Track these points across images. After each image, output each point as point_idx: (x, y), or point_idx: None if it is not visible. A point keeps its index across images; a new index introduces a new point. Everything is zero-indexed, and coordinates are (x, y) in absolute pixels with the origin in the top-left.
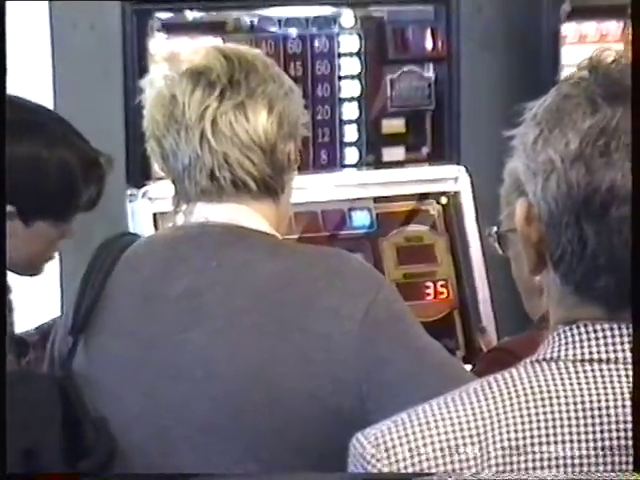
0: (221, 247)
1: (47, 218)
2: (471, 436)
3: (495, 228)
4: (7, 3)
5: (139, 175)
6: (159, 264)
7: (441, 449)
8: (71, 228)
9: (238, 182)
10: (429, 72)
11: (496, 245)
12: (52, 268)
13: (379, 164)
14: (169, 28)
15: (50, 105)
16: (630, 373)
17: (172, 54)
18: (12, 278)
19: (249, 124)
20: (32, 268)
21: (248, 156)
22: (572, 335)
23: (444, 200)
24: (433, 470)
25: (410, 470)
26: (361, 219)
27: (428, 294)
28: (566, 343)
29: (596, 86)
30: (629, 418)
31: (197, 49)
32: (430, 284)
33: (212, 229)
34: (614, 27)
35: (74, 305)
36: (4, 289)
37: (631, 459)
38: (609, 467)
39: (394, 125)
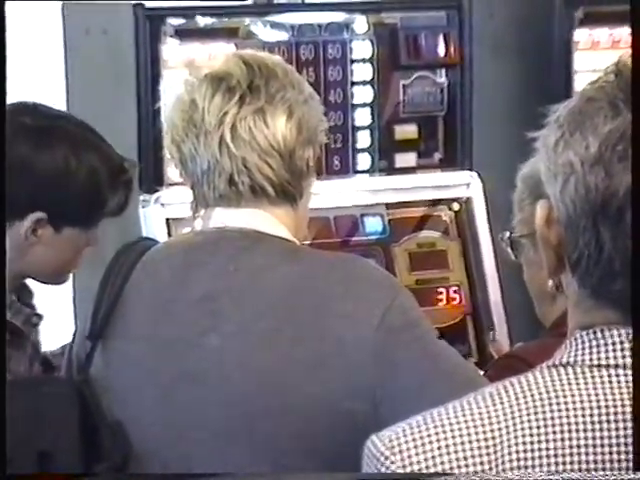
0: (239, 252)
1: (76, 224)
2: (486, 439)
3: (508, 233)
4: (20, 10)
5: (152, 181)
6: (177, 269)
7: (455, 452)
8: (96, 234)
9: (256, 187)
10: (441, 78)
11: (509, 250)
12: None
13: (391, 170)
14: (181, 34)
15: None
16: None
17: (192, 60)
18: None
19: (268, 130)
20: (59, 276)
21: (267, 161)
22: (589, 340)
23: (456, 206)
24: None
25: (424, 472)
26: (373, 225)
27: (440, 300)
28: (582, 348)
29: (619, 90)
30: None
31: (217, 55)
32: (442, 290)
33: (230, 234)
34: (626, 33)
35: (92, 310)
36: (4, 291)
37: None
38: (624, 472)
39: (406, 131)
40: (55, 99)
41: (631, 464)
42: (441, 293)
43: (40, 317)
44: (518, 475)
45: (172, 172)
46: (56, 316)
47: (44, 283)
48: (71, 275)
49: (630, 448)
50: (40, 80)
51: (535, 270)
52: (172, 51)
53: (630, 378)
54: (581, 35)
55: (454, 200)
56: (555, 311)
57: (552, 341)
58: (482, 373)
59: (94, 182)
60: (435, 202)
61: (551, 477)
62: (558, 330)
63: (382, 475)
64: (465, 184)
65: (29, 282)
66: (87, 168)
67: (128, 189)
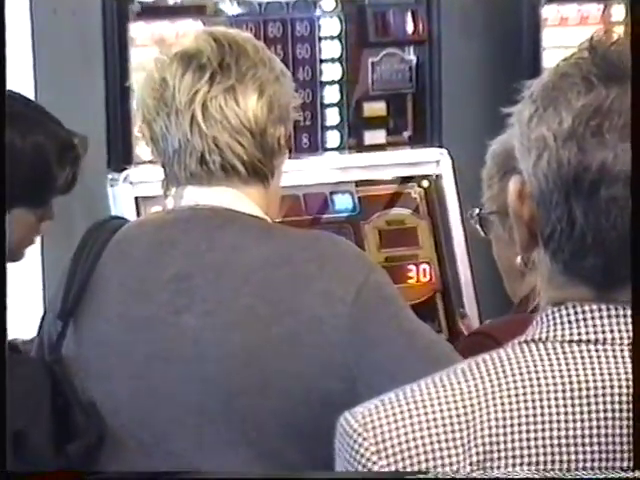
0: (211, 230)
1: (24, 204)
2: (458, 415)
3: (477, 210)
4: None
5: (120, 159)
6: (149, 247)
7: (428, 428)
8: (50, 210)
9: (227, 166)
10: (410, 55)
11: (478, 227)
12: (34, 253)
13: (361, 147)
14: (149, 12)
15: (31, 91)
16: (618, 354)
17: (162, 38)
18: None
19: (239, 108)
20: (13, 254)
21: (238, 140)
22: (560, 316)
23: (426, 183)
24: (420, 449)
25: (397, 449)
26: (343, 202)
27: (410, 277)
28: (555, 324)
29: (593, 66)
30: (616, 398)
31: (187, 33)
32: (412, 267)
33: (202, 212)
34: (595, 9)
35: (63, 289)
36: (4, 290)
37: (617, 439)
38: (596, 447)
39: (375, 108)
40: (23, 79)
41: (603, 439)
42: (411, 270)
43: None
44: (505, 473)
45: (141, 150)
46: (25, 296)
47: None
48: (39, 255)
49: (602, 423)
50: (8, 60)
51: (504, 247)
52: (140, 29)
53: (602, 353)
54: (549, 11)
55: (424, 177)
56: (524, 287)
57: (520, 318)
58: None
59: (40, 161)
60: (405, 179)
61: (546, 475)
62: (526, 306)
63: (373, 474)
64: (435, 161)
65: None
66: (32, 149)
67: (76, 166)
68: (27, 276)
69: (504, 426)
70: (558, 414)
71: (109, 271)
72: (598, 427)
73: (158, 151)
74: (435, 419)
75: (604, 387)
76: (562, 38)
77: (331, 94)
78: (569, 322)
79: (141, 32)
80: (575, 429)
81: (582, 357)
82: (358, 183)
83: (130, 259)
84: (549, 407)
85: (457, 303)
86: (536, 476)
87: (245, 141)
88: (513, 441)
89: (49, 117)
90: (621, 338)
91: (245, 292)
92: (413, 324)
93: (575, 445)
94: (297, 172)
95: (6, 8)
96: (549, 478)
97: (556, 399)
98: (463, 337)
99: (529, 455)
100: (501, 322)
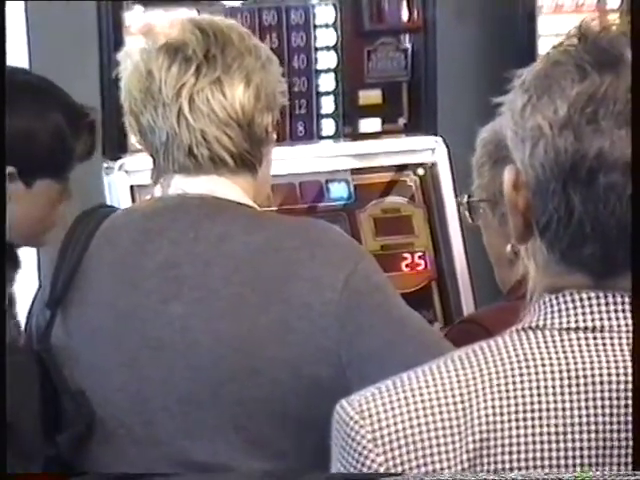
0: (199, 219)
1: (46, 175)
2: (455, 403)
3: (466, 197)
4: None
5: (115, 148)
6: (137, 236)
7: (425, 416)
8: (69, 189)
9: (216, 158)
10: (405, 43)
11: (466, 214)
12: None
13: (356, 135)
14: (144, 0)
15: None
16: (615, 342)
17: (148, 27)
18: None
19: (226, 100)
20: (37, 236)
21: (225, 132)
22: (558, 304)
23: (421, 171)
24: (417, 437)
25: (394, 437)
26: (339, 191)
27: (406, 265)
28: (552, 312)
29: (585, 53)
30: (614, 387)
31: (173, 22)
32: (407, 255)
33: (190, 201)
34: None
35: (51, 277)
36: (4, 285)
37: (615, 427)
38: (593, 435)
39: (371, 96)
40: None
41: (600, 427)
42: (406, 259)
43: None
44: (517, 475)
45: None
46: (20, 286)
47: (21, 245)
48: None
49: (599, 410)
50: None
51: (493, 235)
52: (135, 18)
53: (600, 341)
54: None
55: (419, 165)
56: (513, 275)
57: (509, 305)
58: None
59: (57, 135)
60: (400, 167)
61: (549, 476)
62: (515, 294)
63: (370, 475)
64: (430, 149)
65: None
66: (49, 123)
67: (92, 132)
68: (23, 265)
69: (501, 414)
70: (555, 402)
71: (97, 259)
72: (595, 415)
73: (146, 143)
74: (432, 407)
75: (601, 375)
76: (557, 25)
77: (326, 82)
78: (566, 309)
79: (136, 20)
80: (572, 417)
81: (579, 345)
82: (353, 171)
83: (118, 247)
84: (546, 395)
85: (453, 291)
86: (532, 476)
87: (232, 132)
88: (510, 429)
89: (55, 87)
90: (619, 326)
91: (234, 280)
92: (403, 312)
93: (572, 433)
94: (292, 160)
95: None
96: (547, 478)
97: (553, 387)
98: (452, 324)
99: (526, 443)
100: (489, 310)
